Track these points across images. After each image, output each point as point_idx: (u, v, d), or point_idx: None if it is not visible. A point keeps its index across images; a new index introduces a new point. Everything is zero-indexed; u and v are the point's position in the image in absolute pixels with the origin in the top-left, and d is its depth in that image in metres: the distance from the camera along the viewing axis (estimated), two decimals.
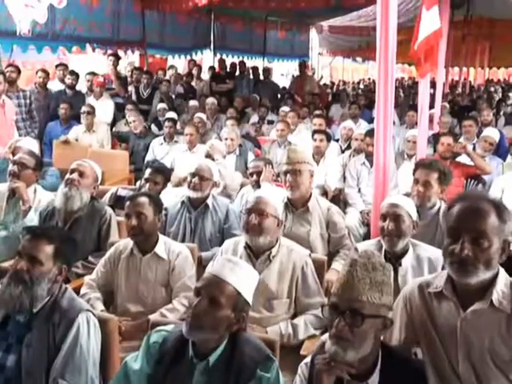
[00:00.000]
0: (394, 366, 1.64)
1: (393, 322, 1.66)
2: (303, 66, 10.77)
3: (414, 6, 9.74)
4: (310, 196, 3.19)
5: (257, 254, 2.60)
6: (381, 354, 1.65)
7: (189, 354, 1.78)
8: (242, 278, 1.81)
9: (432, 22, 4.49)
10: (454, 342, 1.63)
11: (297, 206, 3.17)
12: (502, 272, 1.64)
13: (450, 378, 1.65)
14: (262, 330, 2.47)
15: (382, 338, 1.71)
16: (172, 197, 3.61)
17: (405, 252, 2.59)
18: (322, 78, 16.88)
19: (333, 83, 17.17)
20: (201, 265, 3.01)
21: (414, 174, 3.19)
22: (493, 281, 1.61)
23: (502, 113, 8.58)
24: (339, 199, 4.96)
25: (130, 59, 10.57)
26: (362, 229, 4.45)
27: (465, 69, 15.61)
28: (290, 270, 2.58)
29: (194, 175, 3.34)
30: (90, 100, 6.94)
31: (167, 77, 9.50)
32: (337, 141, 6.33)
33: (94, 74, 7.47)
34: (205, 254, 3.17)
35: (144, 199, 2.75)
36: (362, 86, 15.01)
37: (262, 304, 2.54)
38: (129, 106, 6.81)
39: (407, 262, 2.56)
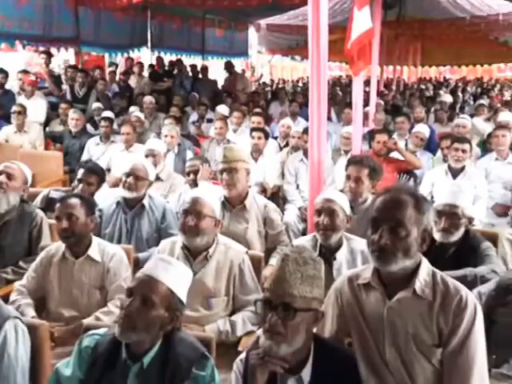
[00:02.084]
0: (326, 357, 1.67)
1: (324, 314, 1.70)
2: (230, 66, 10.78)
3: (349, 6, 9.96)
4: (247, 194, 3.21)
5: (194, 254, 2.59)
6: (313, 347, 1.68)
7: (122, 356, 1.75)
8: (176, 277, 1.80)
9: (364, 21, 4.62)
10: (381, 330, 1.69)
11: (234, 204, 3.18)
12: (425, 261, 1.71)
13: (378, 365, 1.71)
14: (200, 328, 2.46)
15: (314, 330, 1.75)
16: (110, 198, 3.53)
17: (339, 246, 2.65)
18: (261, 76, 17.04)
19: (272, 81, 17.33)
20: (137, 266, 2.95)
21: (346, 171, 3.28)
22: (416, 270, 1.68)
23: (432, 110, 8.93)
24: (278, 196, 5.03)
25: (65, 57, 10.24)
26: (300, 225, 4.51)
27: (398, 67, 16.20)
28: (227, 268, 2.59)
29: (128, 175, 3.28)
30: (21, 99, 6.67)
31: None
32: (275, 138, 6.39)
33: (25, 72, 7.18)
34: (142, 254, 3.12)
35: (75, 200, 2.67)
36: (300, 85, 15.22)
37: (199, 303, 2.54)
38: (63, 105, 6.60)
39: (341, 255, 2.63)
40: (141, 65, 10.06)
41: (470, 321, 1.60)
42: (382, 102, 8.45)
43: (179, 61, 11.01)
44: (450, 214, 2.67)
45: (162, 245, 2.74)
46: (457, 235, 2.69)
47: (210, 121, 7.53)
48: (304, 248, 1.70)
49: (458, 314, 1.61)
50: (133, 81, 9.48)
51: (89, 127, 6.76)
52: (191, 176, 3.93)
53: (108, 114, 6.33)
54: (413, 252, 1.63)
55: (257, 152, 5.17)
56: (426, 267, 1.70)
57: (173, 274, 1.79)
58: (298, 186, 4.99)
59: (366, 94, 7.03)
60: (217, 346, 2.11)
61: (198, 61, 12.47)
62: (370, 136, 5.25)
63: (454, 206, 2.68)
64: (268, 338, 1.59)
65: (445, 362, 1.62)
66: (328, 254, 2.62)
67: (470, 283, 2.40)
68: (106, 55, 10.87)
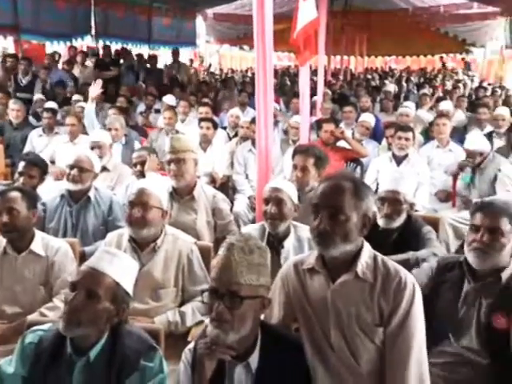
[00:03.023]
0: (273, 343, 1.70)
1: (271, 301, 1.73)
2: (176, 55, 10.67)
3: None
4: (195, 184, 3.19)
5: (142, 246, 2.57)
6: (260, 333, 1.70)
7: (67, 351, 1.72)
8: (121, 269, 1.78)
9: (309, 11, 4.68)
10: (326, 313, 1.73)
11: (182, 195, 3.16)
12: (367, 245, 1.77)
13: (324, 348, 1.75)
14: (149, 320, 2.45)
15: (262, 317, 1.78)
16: (54, 191, 3.43)
17: (287, 234, 2.69)
18: (210, 66, 16.91)
19: (221, 71, 17.23)
20: (83, 260, 2.87)
21: (292, 160, 3.32)
22: (358, 254, 1.73)
23: (378, 99, 9.14)
24: (228, 186, 5.03)
25: (4, 45, 9.83)
26: (250, 214, 4.54)
27: (346, 57, 16.46)
28: (175, 259, 2.58)
29: (72, 167, 3.20)
30: None
31: None
32: (225, 128, 6.38)
33: None
34: (88, 248, 3.06)
35: (15, 194, 2.58)
36: (249, 75, 15.21)
37: (148, 295, 2.52)
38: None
39: (289, 243, 2.66)
40: (84, 54, 9.77)
41: (408, 301, 1.66)
42: (330, 92, 8.56)
43: (125, 50, 10.76)
44: (393, 200, 2.75)
45: (108, 237, 2.70)
46: (399, 221, 2.77)
47: (157, 111, 7.43)
48: (250, 236, 1.71)
49: (397, 295, 1.67)
50: (76, 70, 9.20)
51: (31, 118, 6.53)
52: (138, 167, 3.88)
53: (51, 104, 6.13)
54: (352, 236, 1.68)
55: (206, 142, 5.15)
56: (367, 251, 1.75)
57: (118, 265, 1.77)
58: (247, 176, 5.02)
59: (314, 84, 7.13)
60: (166, 337, 2.11)
61: (144, 50, 12.24)
62: (317, 125, 5.32)
63: (396, 192, 2.77)
64: (215, 327, 1.60)
65: (386, 341, 1.68)
66: (276, 242, 2.65)
67: (413, 266, 2.48)
68: (48, 44, 10.48)
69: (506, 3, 11.92)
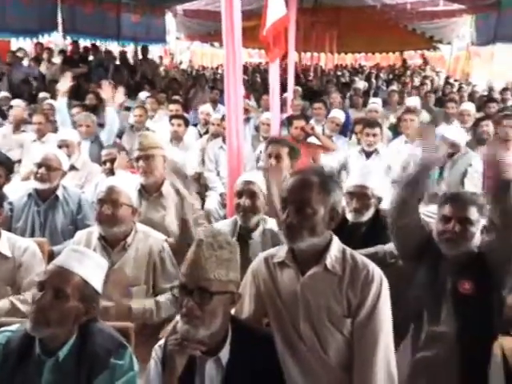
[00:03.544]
0: (243, 337, 1.72)
1: (241, 296, 1.74)
2: (145, 51, 10.59)
3: None
4: (164, 181, 3.18)
5: (112, 244, 2.56)
6: (230, 328, 1.72)
7: (35, 351, 1.70)
8: (90, 267, 1.77)
9: (278, 8, 4.68)
10: (296, 305, 1.76)
11: (151, 192, 3.14)
12: (335, 239, 1.80)
13: (294, 340, 1.77)
14: (125, 306, 2.45)
15: (232, 312, 1.79)
16: (21, 191, 3.37)
17: (256, 227, 2.71)
18: (181, 63, 16.78)
19: (192, 68, 17.12)
20: (52, 259, 2.83)
21: (266, 151, 3.36)
22: (327, 247, 1.76)
23: (348, 95, 9.23)
24: (199, 183, 5.02)
25: None
26: (222, 211, 4.54)
27: (316, 54, 16.56)
28: (146, 256, 2.57)
29: (40, 166, 3.15)
30: None
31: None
32: (195, 125, 6.36)
33: None
34: (57, 247, 3.00)
35: None
36: (220, 71, 15.16)
37: (119, 293, 2.50)
38: None
39: (258, 237, 2.68)
40: (50, 50, 9.58)
41: (376, 293, 1.70)
42: (300, 89, 8.61)
43: (95, 46, 10.60)
44: (361, 195, 2.79)
45: (77, 236, 2.67)
46: (367, 215, 2.81)
47: (127, 109, 7.34)
48: (219, 232, 1.72)
49: (365, 287, 1.71)
50: (43, 67, 9.02)
51: None
52: (107, 165, 3.84)
53: (17, 102, 6.00)
54: (319, 230, 1.71)
55: (177, 139, 5.13)
56: (336, 244, 1.78)
57: (86, 263, 1.76)
58: (218, 173, 5.02)
59: (286, 81, 7.16)
60: (136, 335, 2.10)
61: (113, 47, 12.08)
62: (288, 122, 5.35)
63: (364, 186, 2.81)
64: (185, 323, 1.61)
65: (354, 332, 1.71)
66: (246, 235, 2.66)
67: (381, 259, 2.53)
68: (13, 40, 10.25)
69: (471, 1, 12.17)
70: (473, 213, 2.18)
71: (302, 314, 1.75)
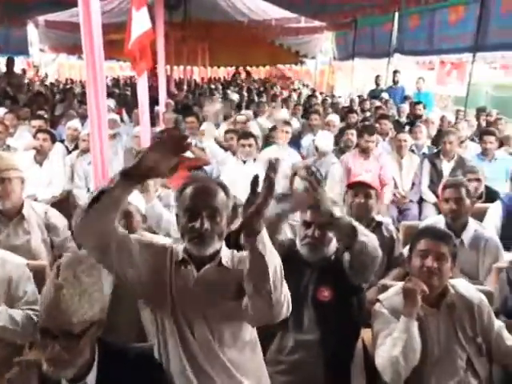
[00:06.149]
0: (112, 358, 1.66)
1: (105, 321, 1.66)
2: (11, 63, 9.95)
3: (126, 6, 9.91)
4: (23, 203, 2.99)
5: None
6: (97, 351, 1.66)
7: None
8: None
9: (143, 22, 4.66)
10: (189, 300, 1.78)
11: (10, 217, 2.93)
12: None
13: (188, 338, 1.78)
14: None
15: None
16: None
17: None
18: (46, 76, 15.94)
19: (59, 82, 16.30)
20: None
21: None
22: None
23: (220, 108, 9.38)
24: (68, 201, 4.78)
25: None
26: None
27: (189, 67, 16.66)
28: (5, 283, 2.37)
29: None
30: None
31: None
32: (62, 141, 6.06)
33: None
34: None
35: None
36: None
37: None
38: None
39: None
40: None
41: None
42: (172, 102, 8.59)
43: None
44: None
45: None
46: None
47: None
48: (76, 259, 1.65)
49: None
50: None
51: None
52: None
53: None
54: (224, 234, 1.76)
55: (41, 155, 4.84)
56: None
57: None
58: (88, 190, 4.82)
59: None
60: None
61: None
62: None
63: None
64: (51, 366, 1.53)
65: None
66: None
67: None
68: None
69: (330, 19, 13.05)
70: (317, 216, 2.23)
71: (196, 311, 1.77)
